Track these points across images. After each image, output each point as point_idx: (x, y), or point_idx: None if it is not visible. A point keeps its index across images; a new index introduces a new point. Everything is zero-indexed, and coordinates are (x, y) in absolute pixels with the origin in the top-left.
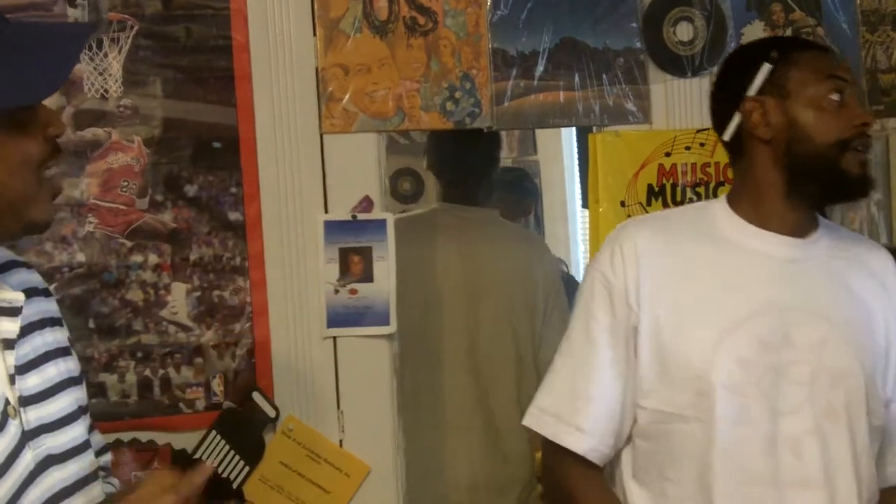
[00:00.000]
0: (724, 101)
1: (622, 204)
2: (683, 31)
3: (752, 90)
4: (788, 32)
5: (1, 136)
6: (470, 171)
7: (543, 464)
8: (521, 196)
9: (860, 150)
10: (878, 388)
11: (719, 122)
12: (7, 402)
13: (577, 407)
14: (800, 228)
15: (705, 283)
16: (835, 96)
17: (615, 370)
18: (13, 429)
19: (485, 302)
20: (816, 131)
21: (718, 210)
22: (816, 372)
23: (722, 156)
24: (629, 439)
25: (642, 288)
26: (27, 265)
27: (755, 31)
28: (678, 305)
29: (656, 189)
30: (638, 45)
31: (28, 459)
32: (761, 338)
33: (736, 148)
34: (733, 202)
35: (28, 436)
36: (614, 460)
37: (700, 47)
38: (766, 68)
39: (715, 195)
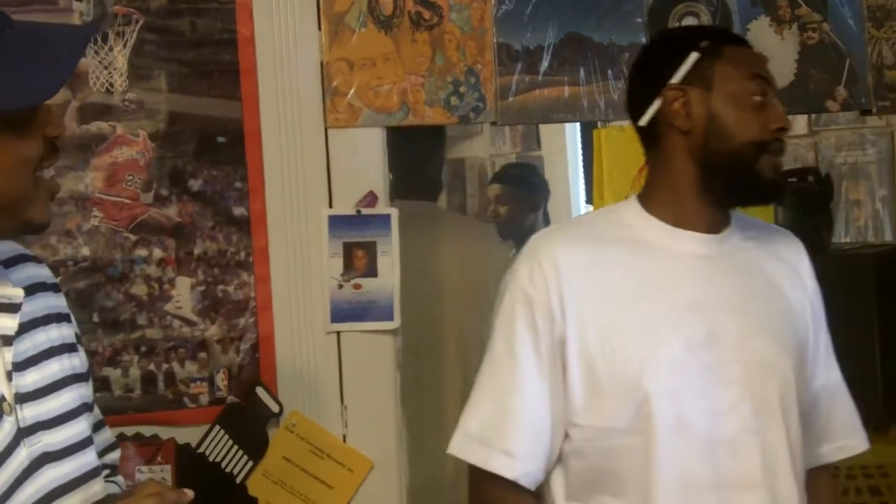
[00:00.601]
0: (645, 86)
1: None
2: None
3: (677, 78)
4: (794, 28)
5: None
6: (411, 166)
7: (471, 492)
8: (530, 192)
9: (775, 154)
10: (803, 375)
11: (636, 107)
12: (3, 399)
13: (504, 429)
14: (714, 225)
15: (628, 288)
16: (757, 97)
17: (543, 388)
18: (7, 425)
19: (431, 298)
20: (736, 129)
21: (630, 212)
22: (747, 368)
23: None
24: (559, 459)
25: (566, 299)
26: (36, 259)
27: (761, 26)
28: (604, 314)
29: None
30: (643, 40)
31: (23, 456)
32: (689, 339)
33: (651, 137)
34: (646, 201)
35: (24, 432)
36: (543, 484)
37: None
38: (693, 57)
39: None
